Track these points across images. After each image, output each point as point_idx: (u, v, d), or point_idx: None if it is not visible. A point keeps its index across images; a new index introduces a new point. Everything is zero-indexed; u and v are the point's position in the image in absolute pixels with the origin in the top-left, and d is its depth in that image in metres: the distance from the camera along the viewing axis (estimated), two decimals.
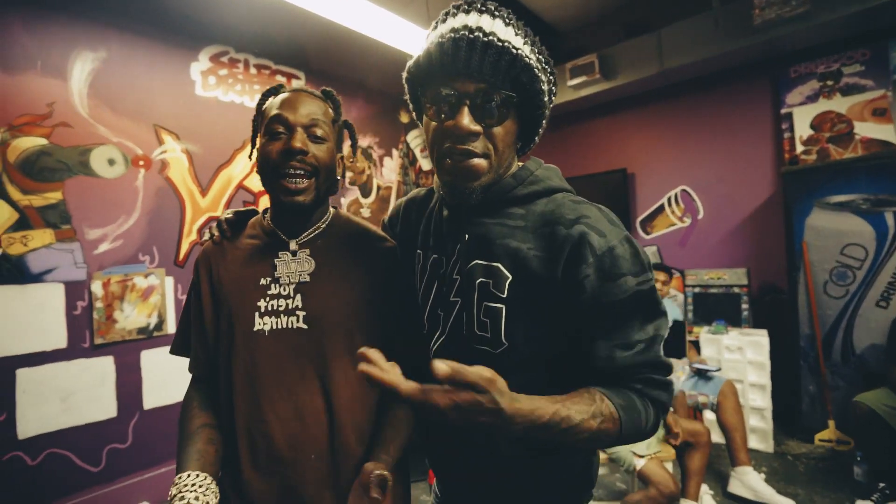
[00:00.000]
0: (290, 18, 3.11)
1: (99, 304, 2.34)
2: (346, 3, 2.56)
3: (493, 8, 0.64)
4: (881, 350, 2.48)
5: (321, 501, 0.74)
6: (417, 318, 0.80)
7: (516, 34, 0.64)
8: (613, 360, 0.62)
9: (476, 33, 0.60)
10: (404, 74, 0.72)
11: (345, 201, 3.57)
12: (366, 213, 3.72)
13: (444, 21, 0.66)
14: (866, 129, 2.93)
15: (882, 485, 2.02)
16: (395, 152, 3.99)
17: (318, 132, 0.78)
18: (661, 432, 1.91)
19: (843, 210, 2.67)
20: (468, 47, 0.60)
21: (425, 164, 4.26)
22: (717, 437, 2.69)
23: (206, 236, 0.88)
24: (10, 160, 2.11)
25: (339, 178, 0.86)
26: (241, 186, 2.97)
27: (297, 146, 0.74)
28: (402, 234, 0.88)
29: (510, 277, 0.65)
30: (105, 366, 2.37)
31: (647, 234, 3.97)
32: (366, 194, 3.73)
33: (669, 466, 1.87)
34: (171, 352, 0.88)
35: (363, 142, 3.73)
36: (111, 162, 2.43)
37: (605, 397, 0.60)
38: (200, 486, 0.69)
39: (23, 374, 2.12)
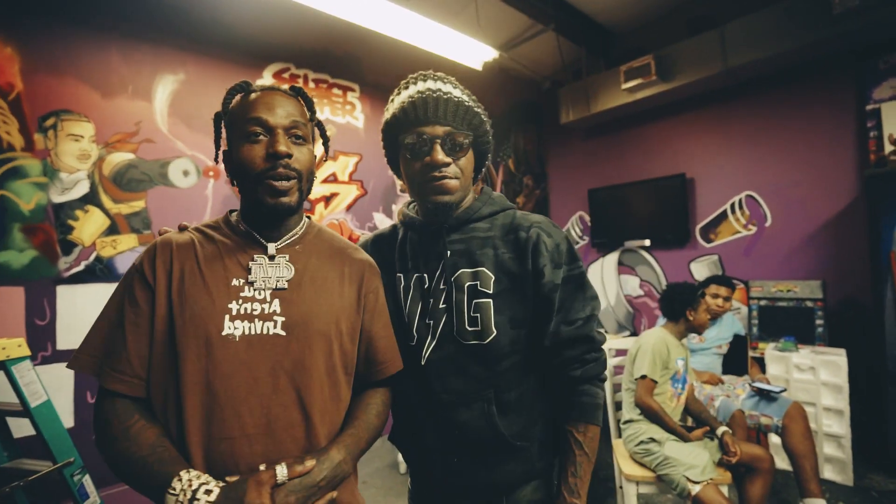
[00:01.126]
0: (345, 33, 3.28)
1: None
2: (400, 18, 2.67)
3: (442, 76, 0.88)
4: None
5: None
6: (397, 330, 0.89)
7: (462, 93, 0.87)
8: (559, 333, 0.82)
9: (437, 93, 0.83)
10: (382, 126, 0.90)
11: (395, 208, 3.68)
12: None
13: (406, 88, 0.87)
14: None
15: None
16: None
17: (299, 132, 0.76)
18: (717, 454, 1.80)
19: None
20: (434, 102, 0.82)
21: None
22: (781, 463, 2.48)
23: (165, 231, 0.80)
24: (104, 173, 2.39)
25: (314, 176, 0.83)
26: None
27: (282, 150, 0.72)
28: (380, 262, 0.93)
29: (493, 277, 0.83)
30: None
31: (709, 242, 3.74)
32: None
33: (725, 491, 1.76)
34: (74, 365, 0.69)
35: None
36: (185, 173, 2.68)
37: (578, 431, 0.83)
38: (203, 481, 0.63)
39: None
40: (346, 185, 3.41)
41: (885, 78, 2.89)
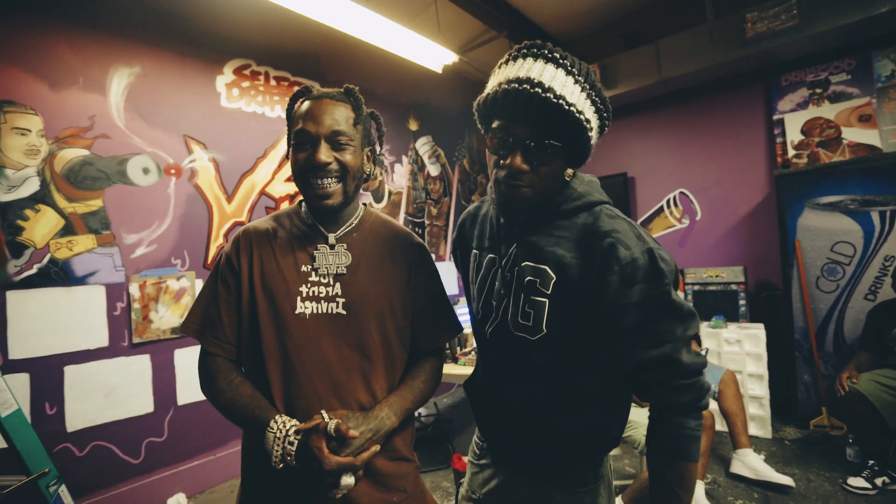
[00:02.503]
0: (306, 31, 3.28)
1: (136, 305, 2.48)
2: (358, 16, 2.71)
3: (558, 56, 0.70)
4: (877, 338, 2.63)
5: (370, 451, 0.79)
6: (448, 309, 0.97)
7: (575, 83, 0.69)
8: (634, 360, 0.73)
9: (535, 89, 0.67)
10: (475, 105, 0.79)
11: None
12: None
13: (513, 60, 0.73)
14: (853, 134, 3.12)
15: (871, 462, 2.19)
16: (404, 159, 4.15)
17: (341, 139, 0.82)
18: None
19: (832, 210, 2.85)
20: (526, 101, 0.67)
21: (433, 169, 4.42)
22: (718, 425, 2.86)
23: None
24: (56, 170, 2.25)
25: (369, 171, 0.91)
26: (263, 193, 3.11)
27: (321, 160, 0.79)
28: (460, 240, 1.02)
29: (554, 278, 0.76)
30: (142, 363, 2.51)
31: None
32: (378, 199, 3.88)
33: None
34: (184, 331, 0.84)
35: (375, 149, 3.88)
36: (145, 171, 2.57)
37: (666, 467, 0.75)
38: (290, 422, 0.76)
39: (70, 371, 2.25)
40: None
41: (786, 92, 3.40)
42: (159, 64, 2.64)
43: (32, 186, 2.17)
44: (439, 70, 3.63)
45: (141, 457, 2.47)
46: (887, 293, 2.65)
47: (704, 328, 3.16)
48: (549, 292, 0.76)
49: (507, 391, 0.86)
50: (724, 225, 3.72)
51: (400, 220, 4.08)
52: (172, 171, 2.67)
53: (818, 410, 2.86)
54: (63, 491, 1.77)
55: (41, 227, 2.19)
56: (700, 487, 2.04)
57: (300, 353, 0.80)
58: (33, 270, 2.16)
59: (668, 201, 4.03)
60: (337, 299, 0.83)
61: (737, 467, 2.37)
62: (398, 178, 4.09)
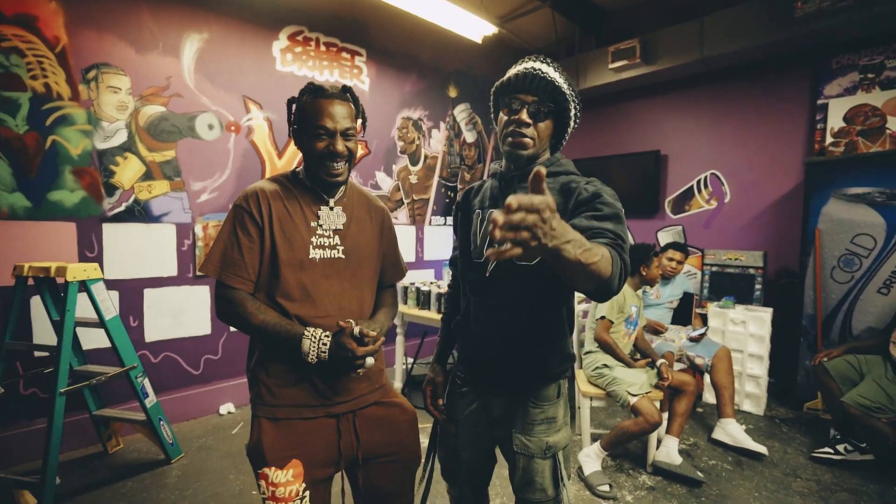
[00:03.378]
0: (356, 1, 3.47)
1: (200, 243, 2.91)
2: None
3: (549, 61, 1.06)
4: (877, 332, 2.69)
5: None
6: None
7: (560, 76, 1.04)
8: (588, 224, 0.88)
9: (537, 71, 1.00)
10: (494, 88, 1.08)
11: (395, 168, 3.99)
12: (413, 179, 4.14)
13: (523, 62, 1.07)
14: None
15: (834, 432, 2.35)
16: (442, 125, 4.34)
17: (350, 132, 1.06)
18: (653, 377, 2.30)
19: (858, 201, 2.84)
20: (532, 78, 1.00)
21: (469, 136, 4.59)
22: (710, 398, 3.04)
23: None
24: (140, 124, 2.64)
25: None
26: None
27: (339, 149, 1.04)
28: (463, 205, 1.25)
29: None
30: (203, 293, 2.97)
31: (675, 214, 4.19)
32: (414, 163, 4.13)
33: (657, 405, 2.26)
34: (206, 271, 1.02)
35: (413, 114, 4.10)
36: (210, 127, 2.93)
37: (602, 247, 0.77)
38: (317, 333, 1.01)
39: (148, 293, 2.73)
40: None
41: (836, 76, 3.28)
42: (224, 30, 2.95)
43: (122, 137, 2.59)
44: (479, 41, 3.74)
45: (200, 369, 2.98)
46: None
47: (712, 307, 3.28)
48: None
49: (500, 320, 1.07)
50: (752, 210, 3.72)
51: (433, 184, 4.33)
52: (232, 128, 3.03)
53: (814, 395, 2.97)
54: (146, 382, 2.25)
55: (128, 171, 2.62)
56: (674, 442, 2.27)
57: (314, 287, 1.06)
58: (121, 208, 2.60)
59: (698, 182, 4.04)
60: (337, 247, 1.10)
61: (718, 434, 2.57)
62: (434, 143, 4.30)
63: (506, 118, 1.05)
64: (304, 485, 1.01)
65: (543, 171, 0.58)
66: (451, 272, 1.41)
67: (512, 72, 1.05)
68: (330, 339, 1.00)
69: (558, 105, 1.03)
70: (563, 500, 1.12)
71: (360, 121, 1.13)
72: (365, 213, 1.19)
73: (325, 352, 0.98)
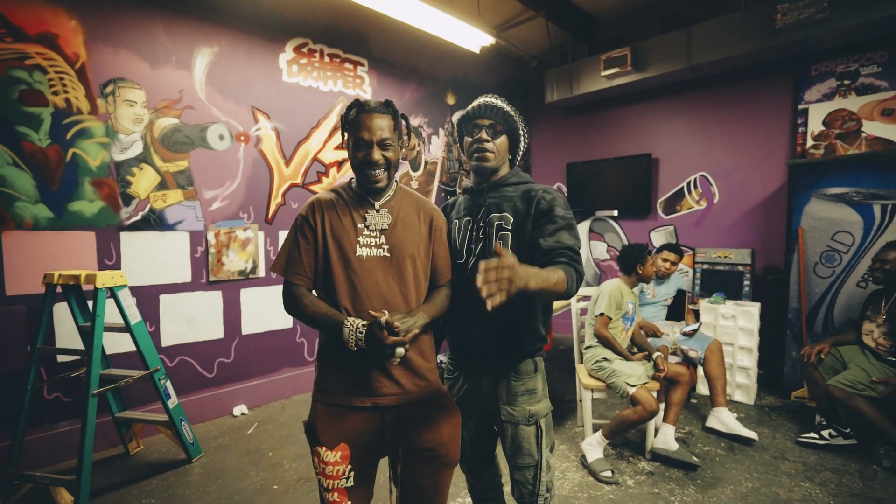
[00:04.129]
0: (357, 12, 3.60)
1: (212, 250, 3.01)
2: (402, 2, 3.01)
3: (498, 97, 1.34)
4: (857, 324, 2.85)
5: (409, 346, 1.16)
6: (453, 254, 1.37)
7: (507, 106, 1.32)
8: (545, 243, 1.17)
9: (490, 103, 1.30)
10: (457, 118, 1.37)
11: (398, 174, 4.11)
12: (414, 184, 4.26)
13: (478, 100, 1.34)
14: (873, 128, 3.21)
15: (819, 419, 2.51)
16: (441, 131, 4.47)
17: (387, 142, 1.17)
18: (650, 369, 2.44)
19: (837, 201, 3.02)
20: (486, 107, 1.29)
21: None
22: (704, 390, 3.20)
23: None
24: (154, 136, 2.74)
25: (400, 158, 1.32)
26: (315, 159, 3.55)
27: (374, 159, 1.15)
28: (445, 216, 1.42)
29: (512, 219, 1.26)
30: (216, 298, 3.06)
31: (667, 215, 4.36)
32: (415, 168, 4.26)
33: (654, 395, 2.40)
34: (273, 270, 1.20)
35: (414, 121, 4.23)
36: (221, 137, 3.04)
37: (558, 269, 1.06)
38: (353, 323, 1.11)
39: (163, 299, 2.82)
40: None
41: (815, 83, 3.47)
42: (233, 43, 3.06)
43: (138, 149, 2.68)
44: (477, 51, 3.88)
45: (214, 372, 3.07)
46: None
47: (704, 303, 3.44)
48: (510, 228, 1.26)
49: (483, 310, 1.20)
50: (740, 209, 3.90)
51: (434, 189, 4.46)
52: (242, 138, 3.13)
53: (801, 384, 3.14)
54: (168, 384, 2.35)
55: (144, 182, 2.71)
56: (670, 430, 2.41)
57: (361, 282, 1.16)
58: (138, 217, 2.70)
59: (688, 183, 4.21)
60: (383, 246, 1.20)
61: (711, 422, 2.72)
62: (434, 149, 4.43)
63: (469, 139, 1.31)
64: (349, 466, 1.12)
65: (499, 247, 0.98)
66: None
67: (471, 106, 1.33)
68: (365, 328, 1.11)
69: (509, 126, 1.31)
70: (545, 463, 1.30)
71: (401, 128, 1.25)
72: (413, 214, 1.27)
73: (361, 339, 1.09)
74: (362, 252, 1.18)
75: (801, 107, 3.53)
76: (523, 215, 1.25)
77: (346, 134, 1.23)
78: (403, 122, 1.28)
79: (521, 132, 1.34)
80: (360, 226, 1.20)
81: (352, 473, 1.13)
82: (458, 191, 1.59)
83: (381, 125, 1.17)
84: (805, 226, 3.14)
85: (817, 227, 3.10)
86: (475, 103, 1.32)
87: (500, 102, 1.31)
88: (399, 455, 1.21)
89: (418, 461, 1.19)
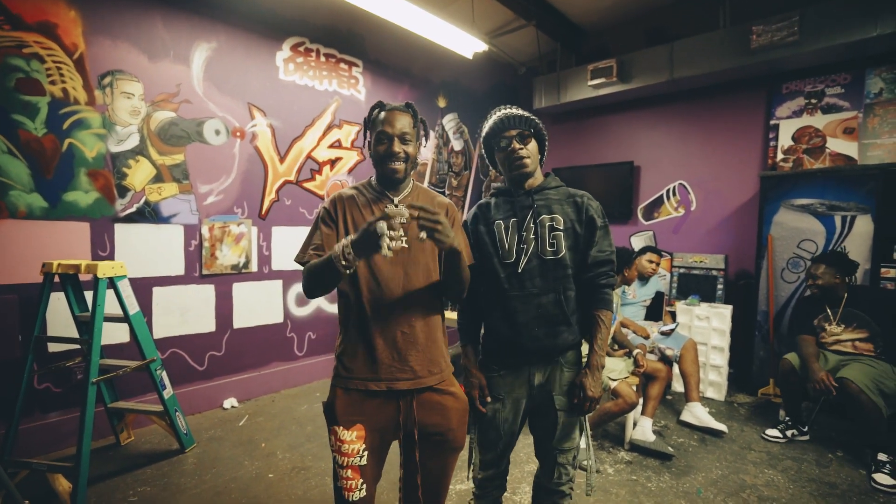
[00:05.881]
0: (353, 14, 3.67)
1: (206, 244, 3.03)
2: (397, 5, 3.09)
3: (512, 105, 1.43)
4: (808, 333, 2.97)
5: (419, 341, 1.23)
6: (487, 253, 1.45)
7: (527, 113, 1.40)
8: (595, 256, 1.36)
9: (511, 114, 1.38)
10: (482, 134, 1.46)
11: None
12: None
13: (496, 113, 1.42)
14: (836, 145, 3.46)
15: (787, 418, 2.71)
16: (431, 133, 4.56)
17: (407, 137, 1.24)
18: (630, 365, 2.59)
19: (803, 211, 3.24)
20: (509, 118, 1.37)
21: (456, 144, 4.84)
22: (679, 387, 3.38)
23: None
24: (151, 128, 2.75)
25: (418, 155, 1.35)
26: (309, 156, 3.60)
27: (395, 150, 1.22)
28: (483, 219, 1.48)
29: (562, 220, 1.36)
30: (208, 292, 3.08)
31: (646, 220, 4.56)
32: None
33: (634, 388, 2.55)
34: (297, 260, 1.23)
35: None
36: (217, 132, 3.06)
37: (601, 312, 1.36)
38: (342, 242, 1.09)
39: (156, 291, 2.84)
40: (349, 151, 3.88)
41: (785, 100, 3.71)
42: (231, 40, 3.09)
43: (134, 141, 2.69)
44: (470, 56, 3.99)
45: (205, 365, 3.09)
46: None
47: (680, 304, 3.63)
48: (561, 228, 1.36)
49: (541, 302, 1.34)
50: (715, 217, 4.11)
51: None
52: (238, 134, 3.16)
53: (767, 382, 3.35)
54: (164, 375, 2.37)
55: (139, 174, 2.72)
56: (648, 423, 2.57)
57: (380, 271, 1.22)
58: (133, 209, 2.71)
59: (668, 191, 4.42)
60: (401, 238, 1.20)
61: (685, 416, 2.90)
62: (424, 150, 4.51)
63: (503, 154, 1.39)
64: (364, 446, 1.20)
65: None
66: None
67: (491, 121, 1.41)
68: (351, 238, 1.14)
69: (535, 130, 1.39)
70: (588, 444, 1.45)
71: (420, 128, 1.32)
72: (430, 205, 1.31)
73: (349, 249, 1.08)
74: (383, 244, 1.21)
75: (772, 122, 3.77)
76: (574, 219, 1.37)
77: (368, 134, 1.31)
78: (421, 126, 1.35)
79: (544, 133, 1.43)
80: None
81: (365, 453, 1.20)
82: (485, 196, 1.74)
83: (403, 121, 1.25)
84: (774, 234, 3.36)
85: (785, 235, 3.32)
86: (496, 117, 1.39)
87: (518, 111, 1.39)
88: (415, 440, 1.26)
89: (427, 444, 1.27)
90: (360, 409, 1.21)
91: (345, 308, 1.28)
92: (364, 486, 1.20)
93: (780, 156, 3.68)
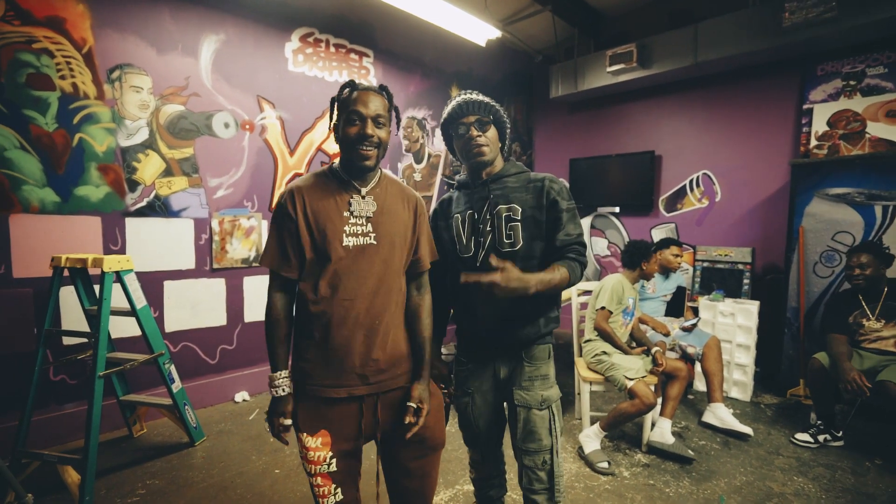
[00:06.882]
0: (363, 3, 3.59)
1: (216, 238, 3.03)
2: None
3: (472, 91, 1.36)
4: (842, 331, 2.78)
5: (381, 344, 1.16)
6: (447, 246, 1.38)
7: (485, 98, 1.33)
8: (562, 239, 1.27)
9: (469, 99, 1.31)
10: (441, 120, 1.38)
11: (401, 166, 4.12)
12: (417, 177, 4.27)
13: (454, 99, 1.35)
14: (877, 129, 3.22)
15: (819, 422, 2.53)
16: None
17: (381, 120, 1.14)
18: (648, 364, 2.47)
19: (839, 201, 3.03)
20: (467, 104, 1.30)
21: None
22: (701, 386, 3.23)
23: None
24: (160, 122, 2.75)
25: (388, 144, 1.26)
26: (319, 149, 3.56)
27: (369, 133, 1.11)
28: (442, 214, 1.44)
29: (521, 209, 1.29)
30: (219, 286, 3.09)
31: (668, 212, 4.38)
32: (418, 161, 4.27)
33: (652, 388, 2.43)
34: (264, 264, 1.16)
35: (418, 114, 4.23)
36: (226, 125, 3.04)
37: (560, 267, 1.21)
38: (287, 378, 1.15)
39: (167, 285, 2.85)
40: None
41: (820, 83, 3.47)
42: (240, 32, 3.06)
43: (143, 135, 2.69)
44: (483, 44, 3.87)
45: (216, 359, 3.10)
46: None
47: (703, 300, 3.46)
48: (519, 218, 1.29)
49: (496, 300, 1.19)
50: (742, 208, 3.91)
51: (437, 181, 4.47)
52: (247, 127, 3.14)
53: (797, 382, 3.17)
54: (173, 369, 2.37)
55: (149, 168, 2.72)
56: (667, 424, 2.45)
57: (347, 271, 1.13)
58: (143, 203, 2.71)
59: (691, 181, 4.22)
60: (369, 234, 1.17)
61: (707, 417, 2.76)
62: (438, 141, 4.43)
63: (461, 142, 1.33)
64: (330, 452, 1.13)
65: (496, 259, 1.11)
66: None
67: (449, 107, 1.35)
68: (283, 379, 1.17)
69: (495, 116, 1.33)
70: (556, 449, 1.32)
71: (392, 114, 1.22)
72: (398, 201, 1.23)
73: (275, 387, 1.16)
74: (349, 241, 1.13)
75: (805, 106, 3.54)
76: (533, 206, 1.29)
77: (334, 115, 1.19)
78: (394, 113, 1.24)
79: (505, 119, 1.36)
80: (346, 214, 1.15)
81: (333, 459, 1.13)
82: (452, 185, 1.72)
83: (377, 103, 1.15)
84: (806, 225, 3.16)
85: (818, 227, 3.12)
86: (454, 103, 1.33)
87: (478, 96, 1.33)
88: (385, 440, 1.21)
89: (405, 445, 1.20)
90: (323, 415, 1.14)
91: (302, 307, 1.16)
92: (339, 490, 1.15)
93: (813, 142, 3.46)
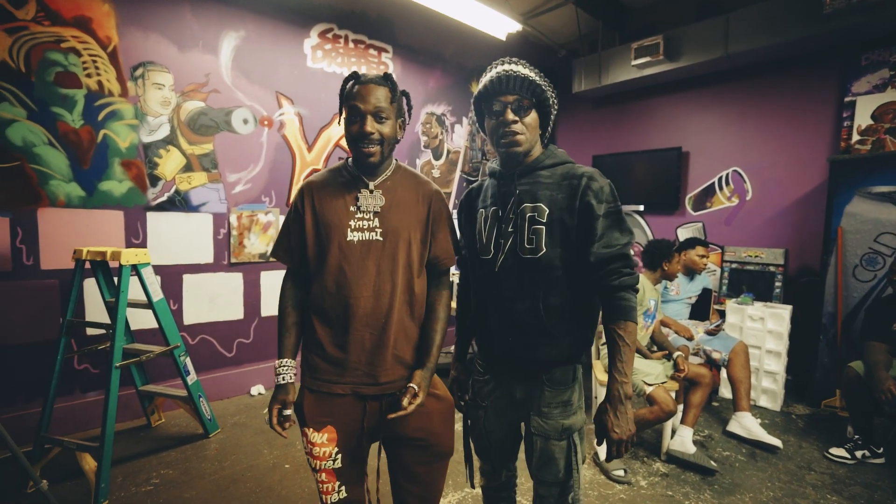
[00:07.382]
0: None
1: (234, 233, 3.07)
2: None
3: (517, 60, 1.13)
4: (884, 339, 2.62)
5: (389, 344, 1.13)
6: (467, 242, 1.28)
7: (532, 72, 1.11)
8: (601, 253, 1.04)
9: (510, 72, 1.08)
10: (474, 96, 1.16)
11: (419, 162, 4.09)
12: (436, 173, 4.23)
13: (494, 68, 1.13)
14: None
15: (857, 436, 2.36)
16: (465, 120, 4.42)
17: (382, 114, 1.08)
18: (669, 369, 2.36)
19: (883, 200, 2.83)
20: (507, 79, 1.07)
21: None
22: (727, 392, 3.08)
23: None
24: (181, 118, 2.80)
25: (400, 137, 1.17)
26: (337, 145, 3.56)
27: (367, 130, 1.07)
28: (467, 206, 1.31)
29: (548, 210, 1.08)
30: (236, 280, 3.13)
31: (695, 211, 4.20)
32: (437, 157, 4.23)
33: (673, 395, 2.32)
34: (272, 255, 1.20)
35: (437, 109, 4.19)
36: (245, 121, 3.08)
37: (619, 328, 1.03)
38: (291, 367, 1.14)
39: (187, 279, 2.90)
40: None
41: (865, 73, 3.25)
42: (259, 28, 3.08)
43: (165, 131, 2.75)
44: (503, 38, 3.80)
45: (233, 352, 3.15)
46: None
47: (730, 303, 3.30)
48: (544, 221, 1.09)
49: (515, 309, 1.13)
50: (774, 207, 3.71)
51: (455, 178, 4.42)
52: (265, 123, 3.17)
53: (832, 393, 2.98)
54: (188, 361, 2.41)
55: (170, 163, 2.78)
56: (688, 432, 2.33)
57: (351, 268, 1.11)
58: (164, 198, 2.77)
59: (720, 179, 4.04)
60: (375, 230, 1.13)
61: (733, 427, 2.62)
62: (457, 138, 4.39)
63: (493, 122, 1.11)
64: (336, 449, 1.12)
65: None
66: (458, 272, 1.43)
67: (486, 78, 1.12)
68: (283, 368, 1.16)
69: (538, 97, 1.09)
70: (576, 481, 1.15)
71: (401, 103, 1.16)
72: (411, 195, 1.18)
73: (279, 372, 1.16)
74: (354, 236, 1.11)
75: (847, 99, 3.31)
76: (563, 207, 1.08)
77: (342, 110, 1.15)
78: (404, 99, 1.18)
79: (551, 102, 1.12)
80: (352, 208, 1.13)
81: (338, 455, 1.12)
82: (485, 173, 1.40)
83: (378, 95, 1.08)
84: (846, 226, 2.96)
85: (859, 227, 2.92)
86: (492, 74, 1.10)
87: (522, 69, 1.09)
88: (390, 443, 1.17)
89: (410, 449, 1.17)
90: (329, 411, 1.12)
91: (310, 301, 1.16)
92: (342, 487, 1.13)
93: (855, 137, 3.24)
